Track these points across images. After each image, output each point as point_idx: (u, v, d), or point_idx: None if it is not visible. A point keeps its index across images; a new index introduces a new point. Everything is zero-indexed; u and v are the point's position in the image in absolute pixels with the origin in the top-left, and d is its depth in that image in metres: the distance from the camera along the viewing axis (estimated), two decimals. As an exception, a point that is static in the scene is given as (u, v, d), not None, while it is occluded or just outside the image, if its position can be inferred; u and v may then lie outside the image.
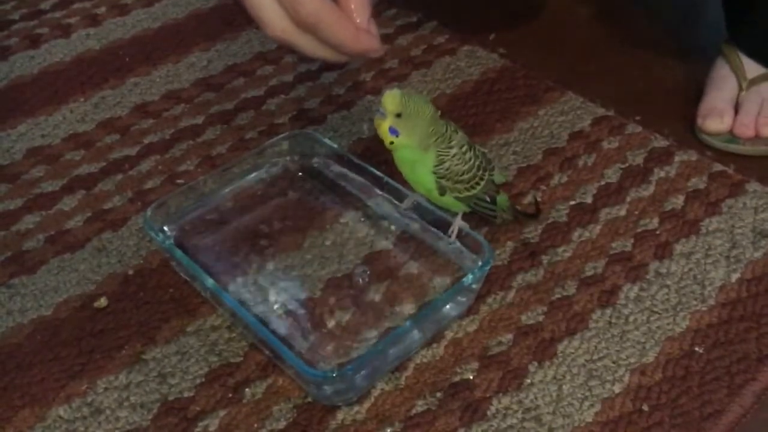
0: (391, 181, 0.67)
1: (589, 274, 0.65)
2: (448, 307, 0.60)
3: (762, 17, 0.78)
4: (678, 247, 0.67)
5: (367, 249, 0.66)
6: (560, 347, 0.59)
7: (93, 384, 0.57)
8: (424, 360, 0.59)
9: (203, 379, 0.57)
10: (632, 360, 0.58)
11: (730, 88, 0.79)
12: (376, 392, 0.57)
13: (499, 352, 0.59)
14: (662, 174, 0.74)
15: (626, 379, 0.57)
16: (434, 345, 0.59)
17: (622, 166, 0.75)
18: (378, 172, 0.67)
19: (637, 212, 0.70)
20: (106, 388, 0.57)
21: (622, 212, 0.70)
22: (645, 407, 0.56)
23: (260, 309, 0.61)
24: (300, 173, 0.72)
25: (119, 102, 0.83)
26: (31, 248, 0.67)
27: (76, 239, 0.68)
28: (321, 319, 0.60)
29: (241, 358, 0.59)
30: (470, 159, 0.60)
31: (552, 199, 0.71)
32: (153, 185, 0.73)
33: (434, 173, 0.59)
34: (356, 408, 0.56)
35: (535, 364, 0.58)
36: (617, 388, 0.57)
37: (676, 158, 0.76)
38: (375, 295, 0.62)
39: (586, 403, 0.56)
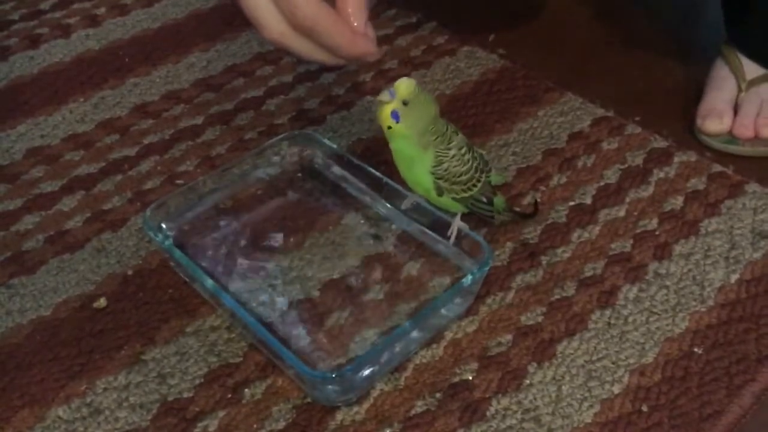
0: (390, 181, 0.67)
1: (588, 274, 0.65)
2: (447, 307, 0.60)
3: (760, 18, 0.78)
4: (677, 248, 0.67)
5: (366, 250, 0.66)
6: (559, 348, 0.59)
7: (92, 384, 0.57)
8: (424, 360, 0.59)
9: (202, 380, 0.57)
10: (631, 361, 0.59)
11: (730, 89, 0.79)
12: (375, 393, 0.57)
13: (498, 352, 0.59)
14: (661, 175, 0.74)
15: (625, 379, 0.57)
16: (434, 345, 0.60)
17: (622, 167, 0.75)
18: (377, 173, 0.67)
19: (636, 213, 0.70)
20: (105, 389, 0.57)
21: (622, 213, 0.70)
22: (644, 408, 0.56)
23: (260, 309, 0.61)
24: (299, 174, 0.72)
25: (119, 102, 0.83)
26: (30, 248, 0.67)
27: (75, 239, 0.68)
28: (320, 319, 0.60)
29: (241, 359, 0.59)
30: (468, 161, 0.60)
31: (551, 200, 0.71)
32: (152, 185, 0.73)
33: (432, 173, 0.59)
34: (355, 408, 0.56)
35: (535, 364, 0.58)
36: (616, 389, 0.57)
37: (676, 159, 0.76)
38: (374, 296, 0.62)
39: (586, 404, 0.56)
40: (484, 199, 0.63)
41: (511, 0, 1.01)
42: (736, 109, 0.78)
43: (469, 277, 0.59)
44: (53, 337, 0.60)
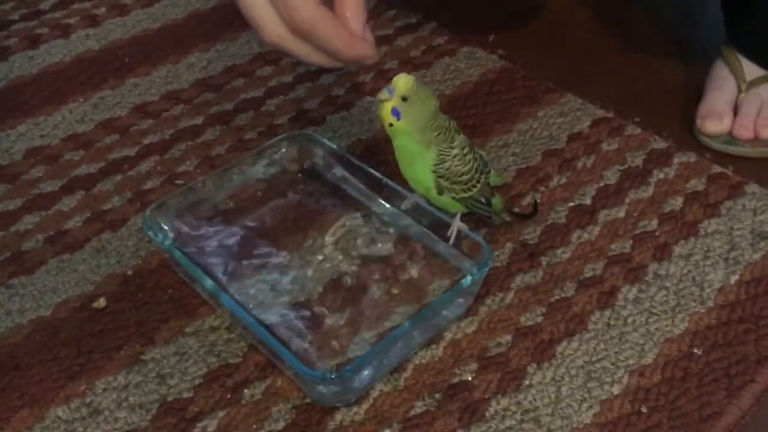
0: (390, 182, 0.67)
1: (588, 275, 0.65)
2: (447, 308, 0.60)
3: (760, 19, 0.78)
4: (677, 249, 0.67)
5: (366, 250, 0.66)
6: (559, 348, 0.59)
7: (92, 384, 0.57)
8: (423, 361, 0.59)
9: (202, 380, 0.57)
10: (631, 361, 0.59)
11: (730, 90, 0.79)
12: (375, 393, 0.57)
13: (497, 353, 0.59)
14: (661, 175, 0.74)
15: (625, 380, 0.57)
16: (433, 346, 0.60)
17: (621, 168, 0.75)
18: (377, 174, 0.67)
19: (636, 214, 0.70)
20: (104, 389, 0.57)
21: (621, 214, 0.70)
22: (644, 409, 0.56)
23: (259, 310, 0.61)
24: (299, 174, 0.72)
25: (119, 102, 0.83)
26: (30, 248, 0.67)
27: (75, 240, 0.68)
28: (320, 320, 0.60)
29: (240, 359, 0.59)
30: (470, 161, 0.60)
31: (551, 201, 0.71)
32: (152, 186, 0.73)
33: (434, 172, 0.59)
34: (355, 409, 0.56)
35: (534, 365, 0.58)
36: (616, 390, 0.57)
37: (675, 160, 0.76)
38: (374, 297, 0.62)
39: (585, 405, 0.56)
40: (483, 200, 0.63)
41: (511, 0, 1.01)
42: (735, 110, 0.78)
43: (469, 277, 0.59)
44: (53, 338, 0.60)
